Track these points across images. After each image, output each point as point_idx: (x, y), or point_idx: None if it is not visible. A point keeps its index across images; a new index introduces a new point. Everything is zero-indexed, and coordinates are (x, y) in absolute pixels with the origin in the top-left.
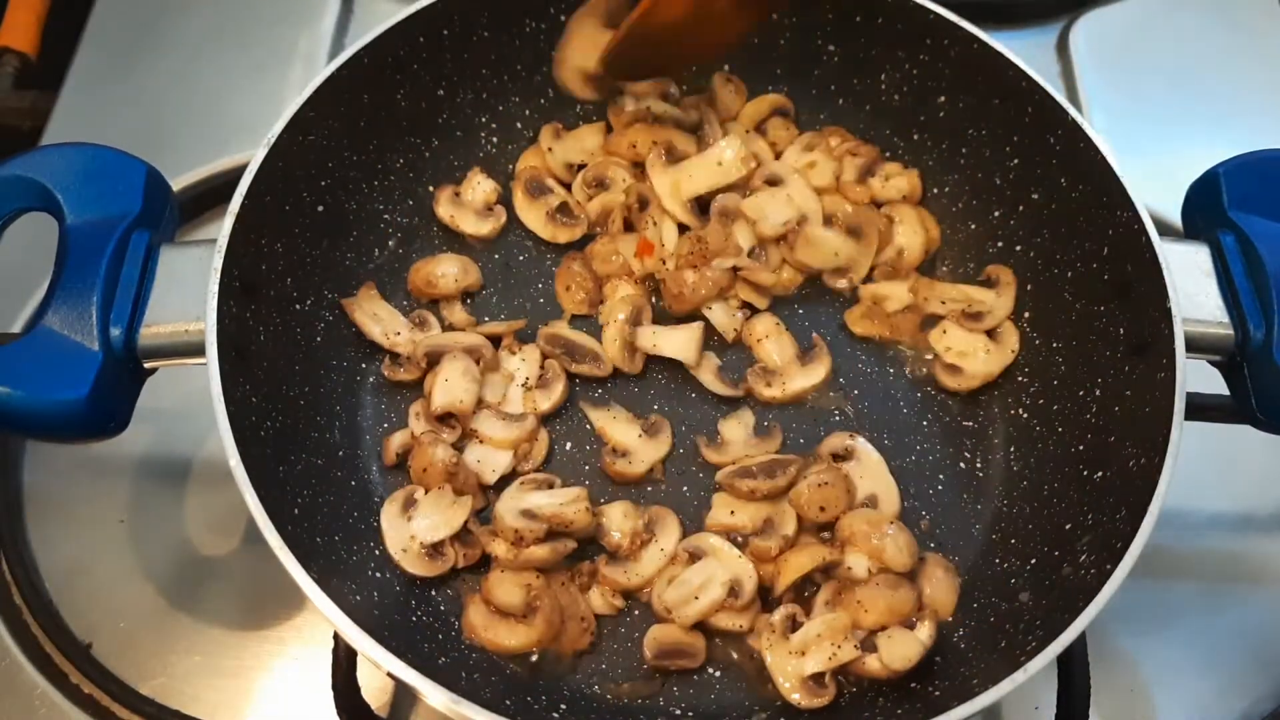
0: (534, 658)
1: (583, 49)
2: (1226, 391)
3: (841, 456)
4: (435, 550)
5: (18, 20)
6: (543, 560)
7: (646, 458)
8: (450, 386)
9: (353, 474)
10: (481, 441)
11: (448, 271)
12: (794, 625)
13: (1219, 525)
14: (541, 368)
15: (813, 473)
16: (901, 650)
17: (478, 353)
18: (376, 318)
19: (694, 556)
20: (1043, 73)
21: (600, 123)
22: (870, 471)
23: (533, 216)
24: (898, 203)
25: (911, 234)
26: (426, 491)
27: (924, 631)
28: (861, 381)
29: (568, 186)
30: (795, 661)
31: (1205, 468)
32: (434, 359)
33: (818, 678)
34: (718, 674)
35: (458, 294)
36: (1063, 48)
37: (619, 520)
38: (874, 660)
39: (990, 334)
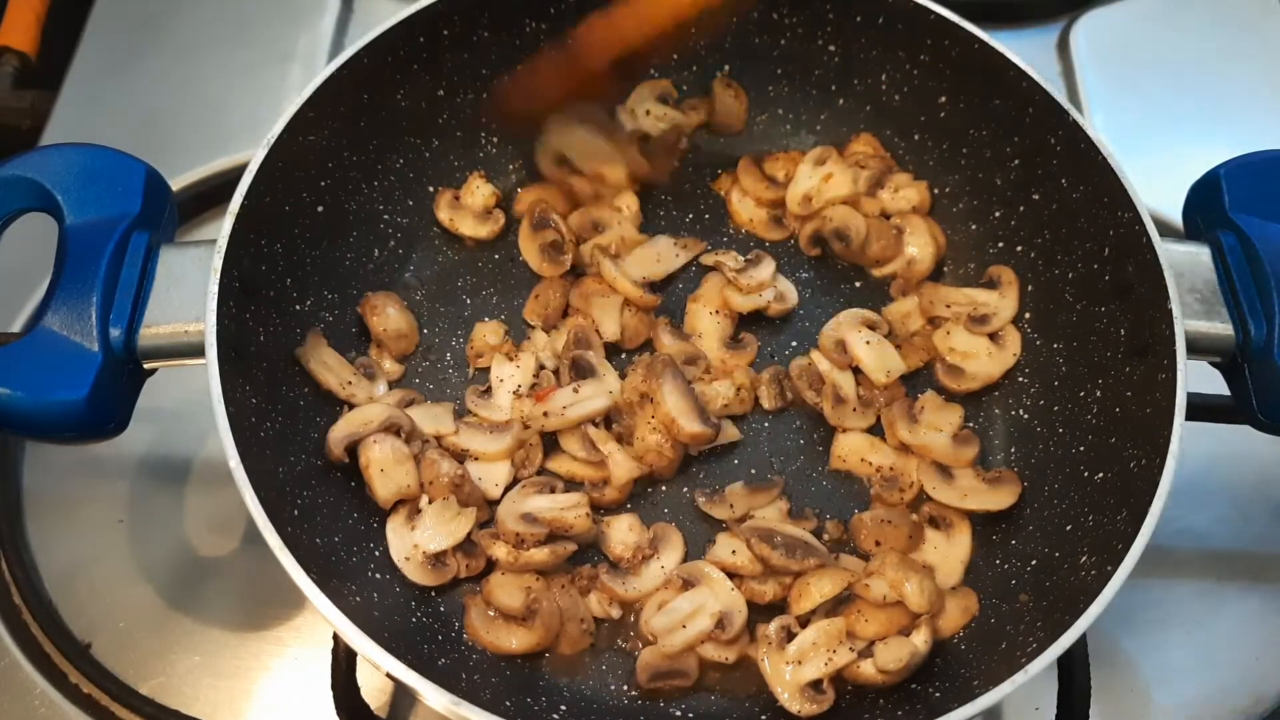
0: (534, 659)
1: (562, 141)
2: (1226, 391)
3: (937, 523)
4: (438, 560)
5: (18, 20)
6: (542, 563)
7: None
8: (388, 477)
9: (353, 475)
10: (476, 459)
11: (391, 323)
12: (789, 635)
13: (1219, 525)
14: (535, 376)
15: (882, 508)
16: (895, 652)
17: (394, 425)
18: (328, 367)
19: (688, 584)
20: (1043, 73)
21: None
22: (950, 553)
23: (530, 247)
24: (907, 213)
25: (922, 245)
26: (430, 501)
27: (920, 637)
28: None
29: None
30: (792, 670)
31: (1205, 468)
32: (352, 447)
33: (815, 684)
34: (718, 676)
35: (387, 342)
36: (1063, 48)
37: (623, 532)
38: (869, 665)
39: (992, 336)
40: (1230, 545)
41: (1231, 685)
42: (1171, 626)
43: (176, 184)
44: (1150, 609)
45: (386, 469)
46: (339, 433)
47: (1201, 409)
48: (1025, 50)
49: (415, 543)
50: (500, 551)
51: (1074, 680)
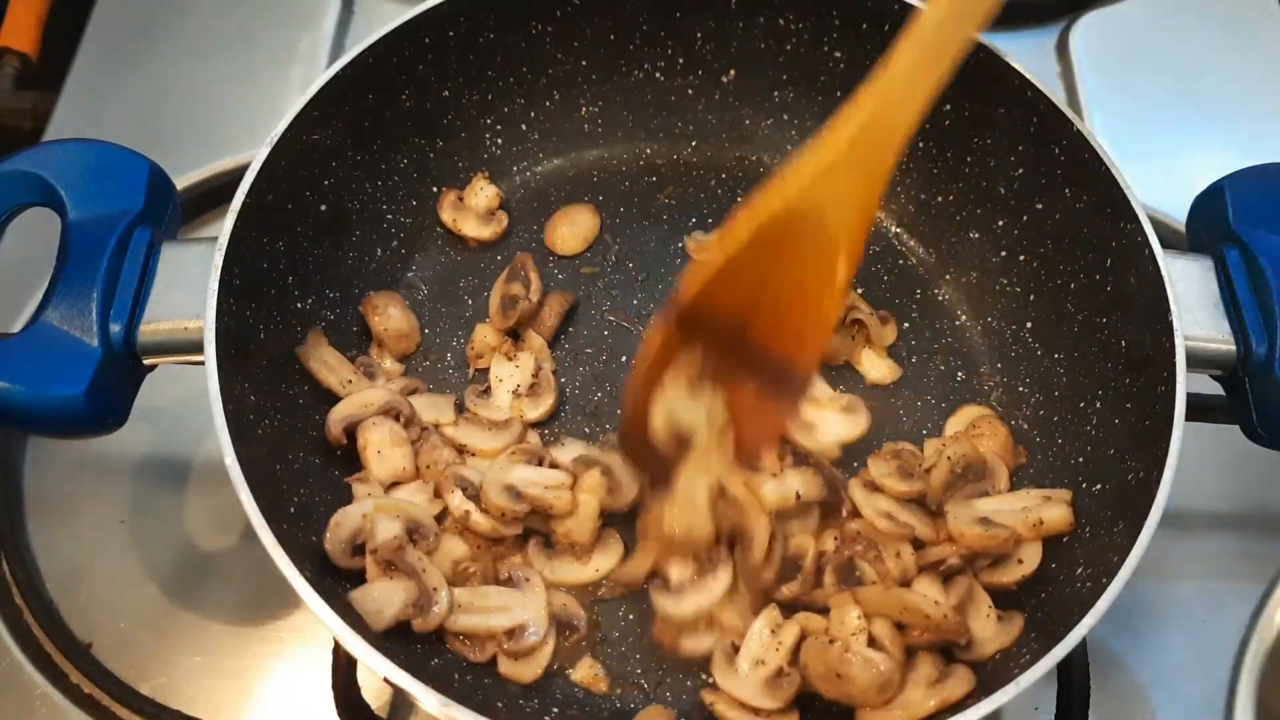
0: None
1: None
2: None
3: None
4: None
5: (18, 20)
6: (489, 533)
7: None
8: (385, 459)
9: (351, 473)
10: (475, 454)
11: (393, 323)
12: (735, 649)
13: (1219, 525)
14: (534, 376)
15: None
16: None
17: (394, 410)
18: (328, 365)
19: None
20: (1042, 74)
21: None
22: None
23: (495, 293)
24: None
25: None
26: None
27: None
28: (863, 389)
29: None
30: (749, 676)
31: (1205, 467)
32: (351, 428)
33: (776, 677)
34: (713, 679)
35: (388, 342)
36: (1062, 49)
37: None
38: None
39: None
40: (1230, 545)
41: (1231, 685)
42: (1171, 626)
43: (178, 184)
44: (1150, 609)
45: (384, 450)
46: (339, 413)
47: (1201, 409)
48: (1025, 51)
49: None
50: (453, 502)
51: (1073, 681)
